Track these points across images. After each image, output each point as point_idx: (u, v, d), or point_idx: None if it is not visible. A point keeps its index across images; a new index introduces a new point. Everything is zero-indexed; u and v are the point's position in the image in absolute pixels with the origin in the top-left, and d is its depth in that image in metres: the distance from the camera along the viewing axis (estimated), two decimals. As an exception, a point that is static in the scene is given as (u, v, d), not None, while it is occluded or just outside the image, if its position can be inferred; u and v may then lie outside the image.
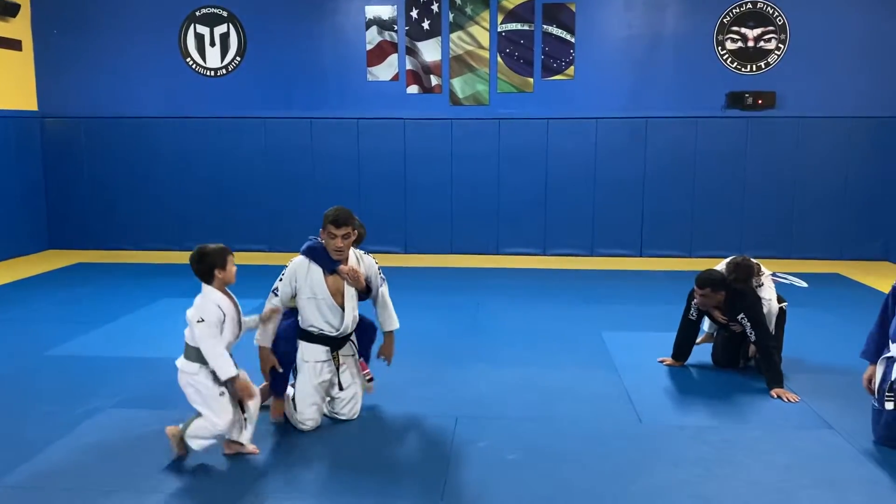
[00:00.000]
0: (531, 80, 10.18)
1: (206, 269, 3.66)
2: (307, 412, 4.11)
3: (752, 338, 4.86)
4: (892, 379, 3.69)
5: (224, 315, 3.65)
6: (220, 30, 10.45)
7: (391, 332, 4.40)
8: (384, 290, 4.32)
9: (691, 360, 5.37)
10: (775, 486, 3.47)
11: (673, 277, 8.73)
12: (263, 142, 10.44)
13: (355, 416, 4.31)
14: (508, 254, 10.33)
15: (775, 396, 4.66)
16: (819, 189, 9.96)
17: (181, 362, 3.76)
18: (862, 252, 9.90)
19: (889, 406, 3.71)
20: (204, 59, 10.49)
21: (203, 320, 3.58)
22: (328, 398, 4.29)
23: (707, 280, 4.94)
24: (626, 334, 6.19)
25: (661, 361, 5.35)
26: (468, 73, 10.21)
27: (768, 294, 5.19)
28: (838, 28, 9.74)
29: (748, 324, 4.86)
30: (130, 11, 10.39)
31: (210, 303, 3.64)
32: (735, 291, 4.94)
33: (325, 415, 4.28)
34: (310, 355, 4.15)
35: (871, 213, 9.84)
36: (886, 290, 4.14)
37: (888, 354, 3.78)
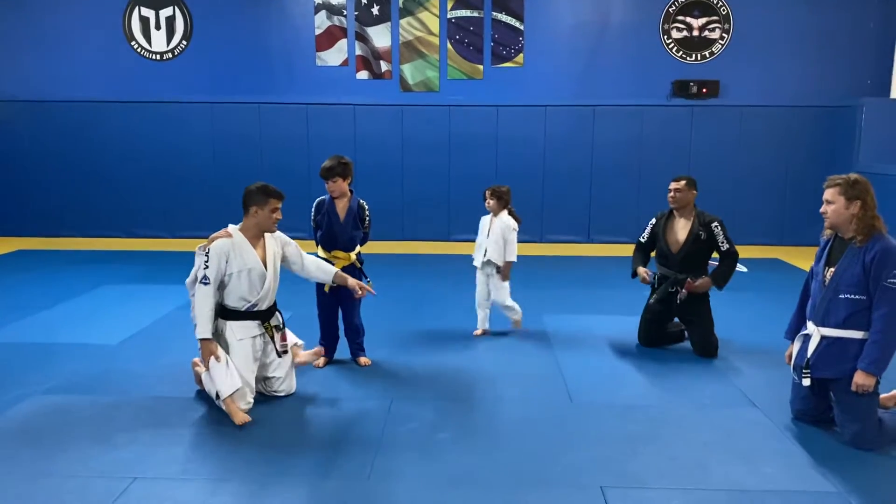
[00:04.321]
0: (481, 67, 10.22)
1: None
2: (239, 394, 4.10)
3: (724, 247, 5.12)
4: (808, 356, 3.82)
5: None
6: (165, 13, 10.26)
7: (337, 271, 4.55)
8: (307, 256, 4.50)
9: (623, 340, 5.58)
10: (694, 462, 3.58)
11: (620, 262, 8.87)
12: (210, 127, 10.31)
13: (293, 391, 4.40)
14: (459, 240, 10.39)
15: (695, 285, 5.14)
16: (760, 176, 10.22)
17: None
18: (801, 238, 10.19)
19: (806, 382, 3.85)
20: (149, 42, 10.30)
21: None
22: (265, 379, 4.34)
23: (685, 175, 5.25)
24: (565, 317, 6.30)
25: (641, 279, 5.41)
26: (418, 59, 10.21)
27: None
28: (780, 19, 9.98)
29: (720, 233, 5.11)
30: (72, -8, 10.16)
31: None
32: (701, 212, 5.23)
33: (260, 392, 4.32)
34: (242, 332, 4.16)
35: (810, 199, 10.08)
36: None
37: (804, 332, 3.92)
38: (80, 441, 3.74)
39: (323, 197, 4.94)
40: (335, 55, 10.22)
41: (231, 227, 4.21)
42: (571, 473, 3.46)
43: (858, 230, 3.67)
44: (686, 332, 5.48)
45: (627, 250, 9.61)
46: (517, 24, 10.10)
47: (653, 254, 5.50)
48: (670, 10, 10.03)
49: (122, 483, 3.30)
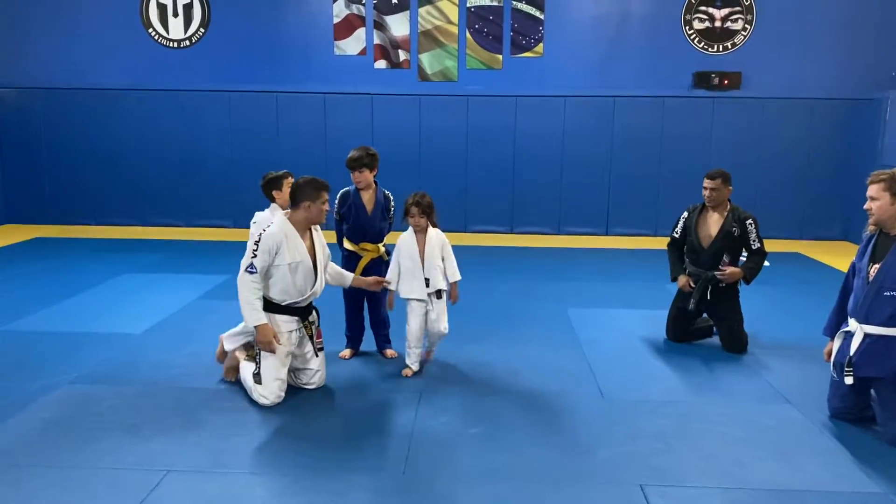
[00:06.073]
0: (500, 56, 10.12)
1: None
2: (272, 386, 4.08)
3: (755, 245, 5.07)
4: (850, 354, 3.75)
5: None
6: (183, 0, 10.19)
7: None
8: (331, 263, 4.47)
9: (650, 334, 5.52)
10: (731, 459, 3.53)
11: (638, 256, 8.83)
12: (227, 116, 10.25)
13: (322, 384, 4.38)
14: (476, 231, 10.32)
15: (726, 272, 5.03)
16: (781, 169, 10.09)
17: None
18: (822, 232, 10.08)
19: (849, 381, 3.76)
20: (167, 29, 10.24)
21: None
22: (296, 370, 4.31)
23: (719, 172, 5.15)
24: (590, 311, 6.23)
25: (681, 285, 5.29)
26: (437, 48, 10.12)
27: None
28: (803, 10, 9.83)
29: (753, 230, 5.05)
30: (90, -21, 10.10)
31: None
32: (735, 206, 5.17)
33: (289, 384, 4.29)
34: (279, 327, 4.12)
35: (831, 193, 10.01)
36: (845, 269, 4.21)
37: (845, 329, 3.85)
38: (110, 432, 3.71)
39: (347, 188, 4.87)
40: (353, 44, 10.14)
41: (280, 216, 4.12)
42: (608, 470, 3.41)
43: (905, 226, 3.60)
44: (714, 328, 5.41)
45: (646, 243, 9.60)
46: (537, 14, 9.99)
47: None
48: (692, 0, 9.90)
49: (155, 476, 3.27)
